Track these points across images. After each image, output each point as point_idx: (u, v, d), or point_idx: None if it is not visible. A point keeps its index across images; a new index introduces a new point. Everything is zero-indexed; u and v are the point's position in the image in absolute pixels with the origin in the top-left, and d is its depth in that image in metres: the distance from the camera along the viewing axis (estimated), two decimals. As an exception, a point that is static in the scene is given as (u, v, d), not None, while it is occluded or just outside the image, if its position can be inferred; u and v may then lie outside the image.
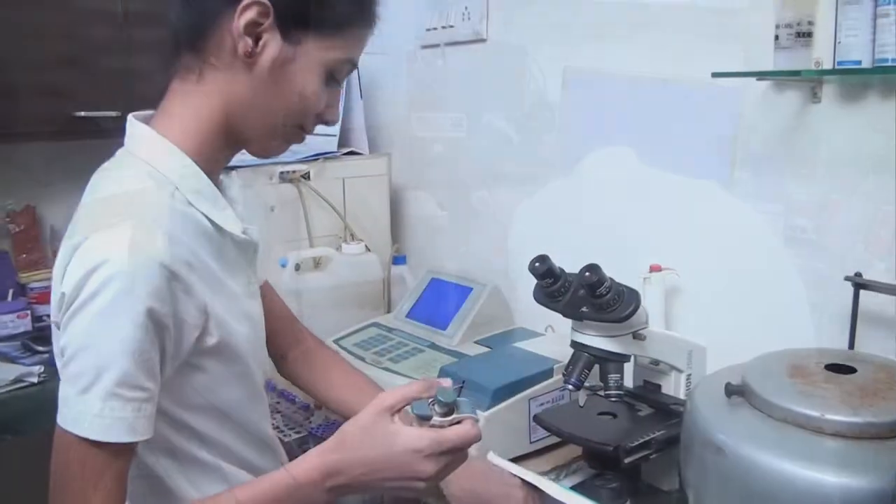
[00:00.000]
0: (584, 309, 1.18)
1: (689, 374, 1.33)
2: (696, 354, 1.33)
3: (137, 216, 0.85)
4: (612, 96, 1.70)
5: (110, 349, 0.82)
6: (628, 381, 1.37)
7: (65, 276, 0.85)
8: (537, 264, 1.21)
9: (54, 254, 2.29)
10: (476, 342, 1.63)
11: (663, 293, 1.58)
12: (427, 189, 2.22)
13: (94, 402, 0.82)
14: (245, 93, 0.91)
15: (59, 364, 0.88)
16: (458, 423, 0.89)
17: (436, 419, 0.89)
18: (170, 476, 0.96)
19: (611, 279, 1.16)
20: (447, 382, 0.92)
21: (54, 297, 0.88)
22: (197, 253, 0.90)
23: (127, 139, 0.96)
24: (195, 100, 0.92)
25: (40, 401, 1.82)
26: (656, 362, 1.33)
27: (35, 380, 1.87)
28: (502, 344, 1.60)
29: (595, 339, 1.21)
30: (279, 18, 0.88)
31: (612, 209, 1.72)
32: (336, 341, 1.73)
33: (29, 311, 2.23)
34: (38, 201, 2.35)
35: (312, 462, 0.89)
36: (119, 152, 0.97)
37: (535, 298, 1.26)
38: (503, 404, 1.36)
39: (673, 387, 1.33)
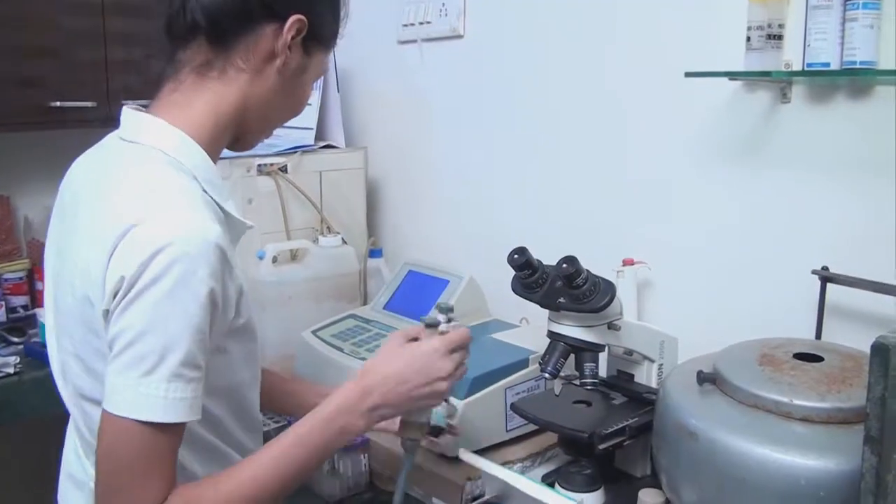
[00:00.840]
0: (560, 300, 1.21)
1: (662, 364, 1.37)
2: (667, 345, 1.37)
3: (185, 201, 0.88)
4: (587, 92, 1.73)
5: (176, 330, 0.83)
6: (602, 371, 1.40)
7: (111, 260, 0.85)
8: (516, 256, 1.24)
9: (29, 245, 2.32)
10: (453, 333, 1.65)
11: (636, 286, 1.61)
12: (403, 182, 2.24)
13: (160, 384, 0.83)
14: (264, 95, 0.97)
15: (112, 348, 0.85)
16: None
17: (443, 326, 1.09)
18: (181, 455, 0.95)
19: (587, 271, 1.19)
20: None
21: (93, 284, 0.87)
22: (225, 237, 0.92)
23: (130, 129, 0.96)
24: (213, 95, 0.95)
25: (18, 391, 1.82)
26: (630, 352, 1.37)
27: (11, 370, 1.86)
28: (479, 335, 1.61)
29: (571, 329, 1.24)
30: (306, 34, 0.96)
31: (588, 204, 1.76)
32: (314, 332, 1.74)
33: (3, 303, 2.21)
34: (11, 192, 2.33)
35: (348, 388, 0.99)
36: (116, 142, 0.97)
37: (513, 289, 1.29)
38: (480, 393, 1.39)
39: (646, 376, 1.37)
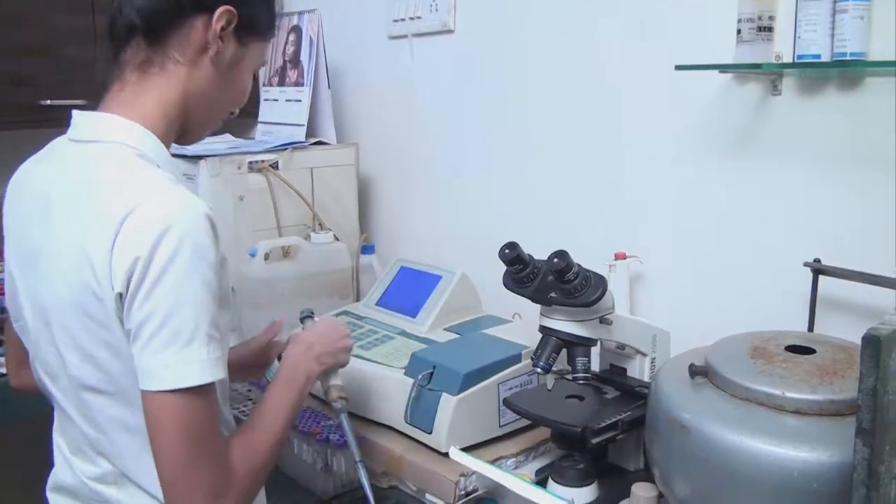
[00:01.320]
0: (552, 294, 1.21)
1: (654, 358, 1.36)
2: (660, 339, 1.37)
3: (167, 184, 0.93)
4: (579, 87, 1.73)
5: (202, 299, 0.89)
6: (595, 366, 1.40)
7: (116, 245, 0.88)
8: (507, 251, 1.23)
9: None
10: (446, 329, 1.65)
11: (628, 280, 1.61)
12: (395, 178, 2.24)
13: (200, 350, 0.89)
14: (204, 86, 1.02)
15: (142, 332, 0.89)
16: None
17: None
18: None
19: (578, 265, 1.19)
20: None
21: (97, 274, 0.90)
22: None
23: (86, 130, 1.00)
24: (158, 90, 1.00)
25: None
26: (622, 346, 1.37)
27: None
28: (471, 331, 1.62)
29: (563, 324, 1.24)
30: (238, 24, 1.01)
31: (580, 198, 1.76)
32: (306, 329, 1.74)
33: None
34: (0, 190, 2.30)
35: (294, 349, 1.21)
36: (70, 145, 1.01)
37: (505, 284, 1.29)
38: (473, 388, 1.39)
39: (638, 370, 1.37)
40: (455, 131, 2.04)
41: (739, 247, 1.49)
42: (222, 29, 1.00)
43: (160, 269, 0.87)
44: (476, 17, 1.93)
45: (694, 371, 1.09)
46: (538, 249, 1.29)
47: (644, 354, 1.35)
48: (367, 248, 2.12)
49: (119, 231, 0.88)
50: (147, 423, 0.91)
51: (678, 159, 1.57)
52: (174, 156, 1.04)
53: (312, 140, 2.12)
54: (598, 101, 1.70)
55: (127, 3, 0.99)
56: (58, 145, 1.04)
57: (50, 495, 1.10)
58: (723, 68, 1.40)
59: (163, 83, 1.00)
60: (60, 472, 1.08)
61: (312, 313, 1.43)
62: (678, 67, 1.40)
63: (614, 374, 1.38)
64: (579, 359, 1.24)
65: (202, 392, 0.90)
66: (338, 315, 1.80)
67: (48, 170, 1.02)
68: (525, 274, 1.24)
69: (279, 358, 1.30)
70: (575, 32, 1.72)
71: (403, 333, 1.65)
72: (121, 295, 0.89)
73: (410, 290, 1.77)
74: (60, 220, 0.96)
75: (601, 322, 1.25)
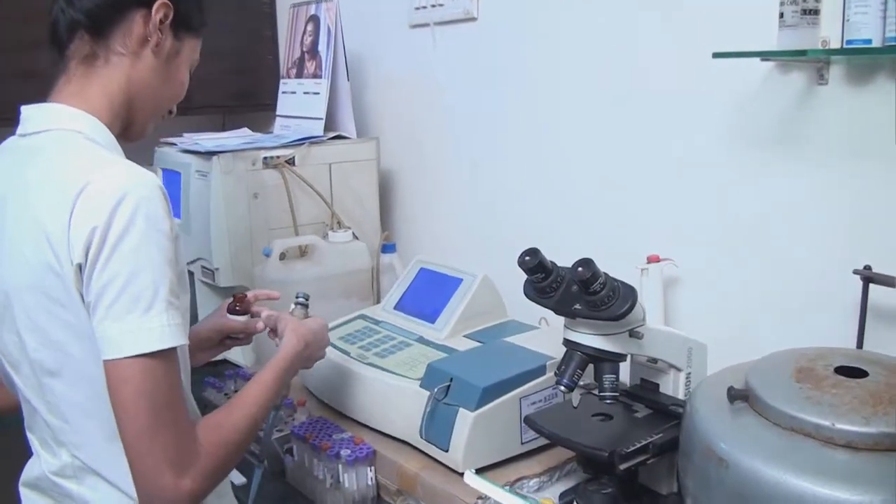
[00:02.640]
0: (576, 306, 1.11)
1: (689, 373, 1.26)
2: (696, 352, 1.27)
3: (121, 158, 0.99)
4: (609, 77, 1.62)
5: (159, 264, 0.92)
6: (625, 378, 1.31)
7: (73, 217, 0.91)
8: (527, 258, 1.14)
9: None
10: (466, 336, 1.56)
11: (662, 285, 1.51)
12: (417, 174, 2.15)
13: (161, 316, 0.91)
14: (147, 76, 1.07)
15: (102, 301, 0.91)
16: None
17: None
18: None
19: (605, 274, 1.09)
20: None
21: (56, 249, 0.93)
22: None
23: (36, 122, 1.03)
24: (103, 81, 1.04)
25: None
26: (654, 360, 1.27)
27: None
28: (493, 338, 1.53)
29: (589, 338, 1.14)
30: (173, 19, 1.07)
31: (611, 196, 1.65)
32: (321, 334, 1.66)
33: None
34: None
35: (291, 344, 1.23)
36: (21, 140, 1.03)
37: (526, 294, 1.19)
38: (493, 403, 1.29)
39: (672, 386, 1.27)
40: (479, 124, 1.94)
41: (782, 250, 1.38)
42: (160, 21, 1.05)
43: (117, 236, 0.90)
44: (500, 4, 1.82)
45: (733, 395, 0.99)
46: (565, 250, 1.20)
47: (678, 369, 1.25)
48: (387, 247, 2.03)
49: (75, 204, 0.91)
50: (110, 395, 0.92)
51: (716, 154, 1.46)
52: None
53: (331, 134, 2.04)
54: (630, 92, 1.59)
55: (69, 2, 1.04)
56: (9, 143, 1.07)
57: (21, 490, 1.12)
58: (764, 56, 1.28)
59: (107, 74, 1.05)
60: (30, 466, 1.11)
61: (308, 300, 1.40)
62: (716, 55, 1.28)
63: (646, 390, 1.28)
64: (607, 376, 1.15)
65: (163, 358, 0.92)
66: (354, 319, 1.72)
67: (32, 155, 1.02)
68: (547, 283, 1.15)
69: (274, 334, 1.32)
70: (605, 19, 1.61)
71: (421, 340, 1.56)
72: (80, 266, 0.91)
73: (430, 293, 1.68)
74: (16, 207, 0.99)
75: (631, 335, 1.16)
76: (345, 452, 1.36)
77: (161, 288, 0.92)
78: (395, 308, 1.70)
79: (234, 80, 2.57)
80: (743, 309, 1.44)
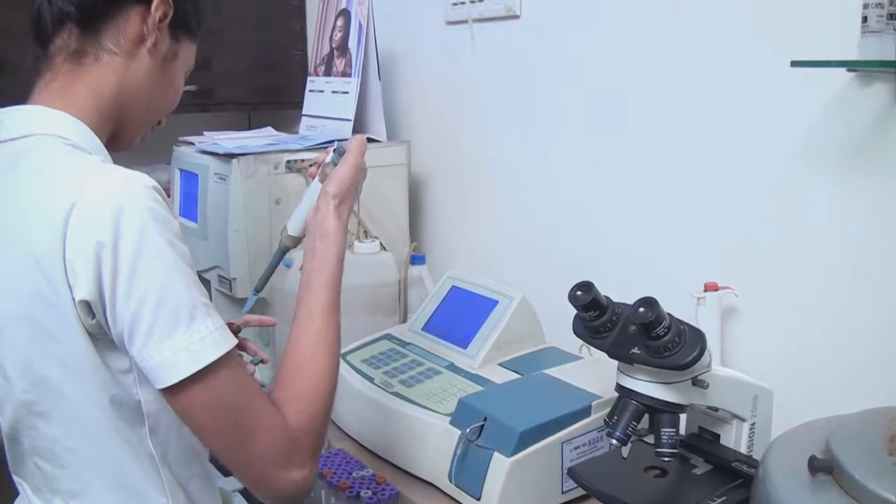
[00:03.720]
0: (635, 350, 0.97)
1: (754, 423, 1.12)
2: (762, 400, 1.12)
3: (108, 164, 0.89)
4: (665, 82, 1.47)
5: (184, 268, 0.84)
6: (681, 426, 1.17)
7: (68, 240, 0.81)
8: (579, 293, 1.00)
9: None
10: (501, 364, 1.42)
11: (719, 316, 1.36)
12: (451, 181, 2.01)
13: (206, 322, 0.84)
14: (141, 79, 0.98)
15: (139, 327, 0.82)
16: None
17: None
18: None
19: (669, 316, 0.95)
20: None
21: (48, 276, 0.83)
22: None
23: (13, 127, 0.92)
24: (92, 81, 0.95)
25: None
26: (715, 408, 1.12)
27: None
28: (531, 368, 1.39)
29: (646, 386, 1.00)
30: (172, 19, 0.98)
31: (665, 213, 1.50)
32: (343, 356, 1.53)
33: None
34: None
35: (326, 212, 1.08)
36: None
37: (575, 331, 1.05)
38: (531, 449, 1.16)
39: (734, 437, 1.12)
40: (519, 130, 1.80)
41: (860, 283, 1.23)
42: (159, 20, 0.97)
43: (133, 251, 0.81)
44: (547, 1, 1.68)
45: (816, 466, 0.84)
46: (613, 272, 1.07)
47: (742, 419, 1.10)
48: (416, 259, 1.90)
49: (67, 223, 0.81)
50: (182, 419, 0.86)
51: (784, 174, 1.31)
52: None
53: (360, 137, 1.90)
54: (690, 101, 1.44)
55: None
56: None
57: None
58: (851, 66, 1.13)
59: (97, 73, 0.95)
60: None
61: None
62: (794, 64, 1.13)
63: (704, 442, 1.14)
64: (665, 430, 1.00)
65: (225, 364, 0.85)
66: (380, 339, 1.59)
67: (14, 168, 0.91)
68: (602, 322, 1.01)
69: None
70: (663, 17, 1.46)
71: (452, 367, 1.43)
72: (89, 296, 0.81)
73: (462, 314, 1.54)
74: None
75: (694, 384, 1.01)
76: (365, 494, 1.24)
77: (195, 293, 0.84)
78: (424, 329, 1.57)
79: (259, 75, 2.45)
80: (812, 348, 1.29)
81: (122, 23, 0.96)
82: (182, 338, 0.82)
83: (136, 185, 0.84)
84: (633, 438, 1.06)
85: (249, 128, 2.31)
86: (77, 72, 0.95)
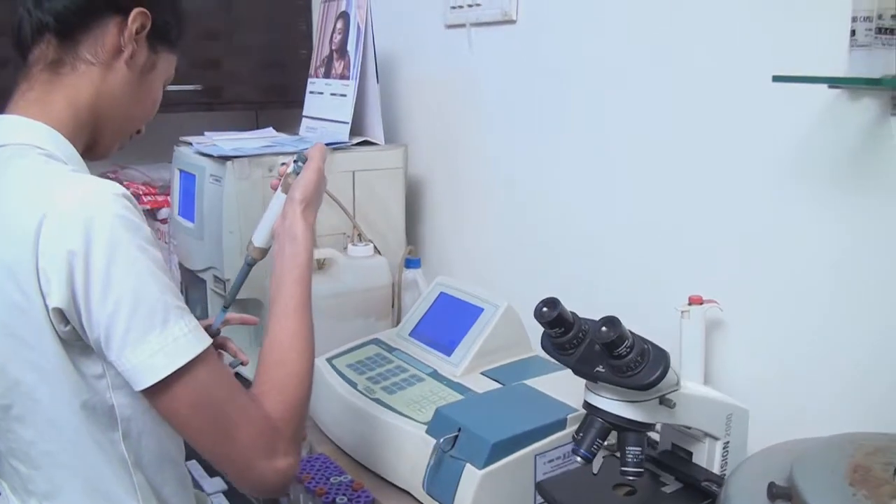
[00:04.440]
0: (599, 369, 0.97)
1: (727, 442, 1.11)
2: (736, 419, 1.11)
3: (79, 174, 0.90)
4: (654, 93, 1.46)
5: (157, 272, 0.86)
6: (655, 437, 1.16)
7: (40, 250, 0.83)
8: (545, 309, 0.99)
9: None
10: (484, 373, 1.42)
11: (704, 330, 1.34)
12: (448, 185, 2.01)
13: (179, 324, 0.86)
14: (117, 89, 0.99)
15: (114, 332, 0.84)
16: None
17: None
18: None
19: (632, 336, 0.94)
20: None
21: (22, 286, 0.85)
22: None
23: None
24: (68, 91, 0.96)
25: None
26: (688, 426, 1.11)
27: None
28: (514, 377, 1.39)
29: (612, 404, 0.99)
30: (150, 30, 1.00)
31: (652, 223, 1.49)
32: (329, 360, 1.54)
33: None
34: None
35: (293, 218, 1.08)
36: None
37: (543, 347, 1.05)
38: (504, 461, 1.16)
39: (706, 455, 1.11)
40: (515, 135, 1.79)
41: (845, 302, 1.21)
42: (137, 32, 0.98)
43: (105, 259, 0.82)
44: (541, 7, 1.67)
45: (774, 493, 0.84)
46: (600, 284, 1.05)
47: (715, 438, 1.09)
48: (411, 262, 1.90)
49: (39, 233, 0.83)
50: (165, 418, 0.89)
51: (773, 187, 1.29)
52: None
53: (357, 139, 1.91)
54: (677, 113, 1.42)
55: (36, 3, 0.96)
56: None
57: None
58: (833, 83, 1.11)
59: (74, 83, 0.97)
60: None
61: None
62: (776, 79, 1.12)
63: (677, 459, 1.13)
64: (631, 449, 1.00)
65: (201, 363, 0.87)
66: (367, 344, 1.59)
67: None
68: (567, 339, 1.00)
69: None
70: (652, 29, 1.44)
71: (435, 375, 1.43)
72: (61, 305, 0.83)
73: (449, 321, 1.54)
74: None
75: (661, 402, 1.00)
76: (341, 500, 1.24)
77: (168, 296, 0.86)
78: (411, 334, 1.57)
79: (265, 74, 2.46)
80: (794, 364, 1.27)
81: (100, 34, 0.97)
82: (157, 341, 0.84)
83: (105, 194, 0.86)
84: (605, 454, 1.06)
85: (257, 127, 2.32)
86: (54, 81, 0.97)
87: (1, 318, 0.87)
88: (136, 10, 0.97)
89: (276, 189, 1.20)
